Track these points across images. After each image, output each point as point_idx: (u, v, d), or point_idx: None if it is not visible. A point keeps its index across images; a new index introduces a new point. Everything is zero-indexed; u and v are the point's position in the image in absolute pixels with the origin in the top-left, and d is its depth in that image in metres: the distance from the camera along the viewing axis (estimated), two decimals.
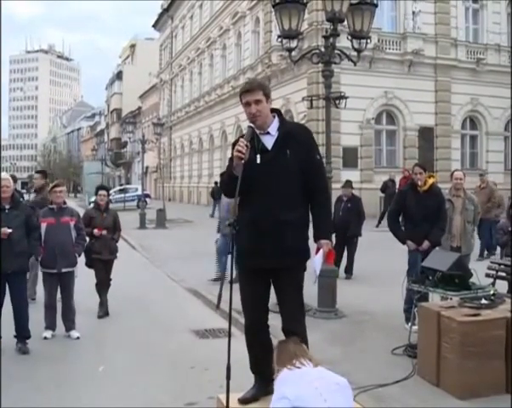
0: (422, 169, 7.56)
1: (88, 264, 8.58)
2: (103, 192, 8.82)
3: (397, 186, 22.04)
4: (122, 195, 42.04)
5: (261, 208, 4.37)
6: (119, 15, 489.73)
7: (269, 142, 4.48)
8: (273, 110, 4.60)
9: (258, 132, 4.48)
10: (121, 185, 55.31)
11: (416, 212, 7.45)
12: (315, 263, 4.45)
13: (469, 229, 8.05)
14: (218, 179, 37.23)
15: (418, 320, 6.11)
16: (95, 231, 8.44)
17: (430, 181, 7.62)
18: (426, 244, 7.36)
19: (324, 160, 9.14)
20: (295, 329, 4.48)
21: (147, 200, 34.72)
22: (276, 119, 4.57)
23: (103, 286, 8.71)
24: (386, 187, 22.60)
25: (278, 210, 4.35)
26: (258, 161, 4.41)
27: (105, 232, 8.54)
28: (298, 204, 4.45)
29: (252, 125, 4.43)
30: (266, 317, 4.67)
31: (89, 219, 8.54)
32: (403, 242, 7.66)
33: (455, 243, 7.93)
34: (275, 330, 4.75)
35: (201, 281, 11.03)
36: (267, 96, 4.48)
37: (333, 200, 10.49)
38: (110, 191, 44.28)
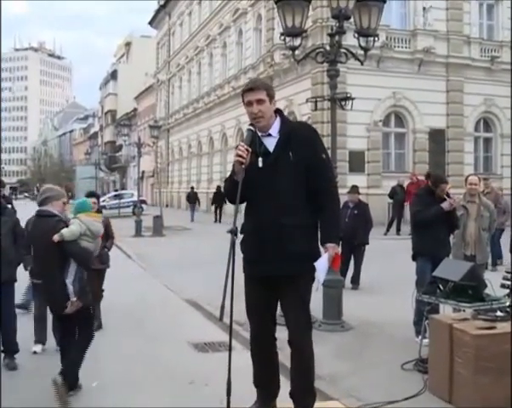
0: (448, 184, 7.71)
1: None
2: (92, 199, 8.82)
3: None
4: (117, 201, 42.04)
5: (264, 214, 4.39)
6: (114, 12, 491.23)
7: (271, 144, 4.50)
8: (275, 111, 4.61)
9: (259, 134, 4.50)
10: (115, 191, 55.39)
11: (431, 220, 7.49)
12: (319, 267, 4.42)
13: (484, 236, 8.04)
14: (216, 184, 37.70)
15: (429, 333, 6.09)
16: None
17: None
18: None
19: None
20: (300, 341, 4.49)
21: (143, 206, 34.75)
22: (278, 119, 4.58)
23: (95, 297, 8.68)
24: (394, 193, 22.58)
25: (282, 215, 4.36)
26: (260, 164, 4.43)
27: None
28: (303, 208, 4.45)
29: (251, 128, 4.45)
30: (273, 328, 4.67)
31: None
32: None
33: (469, 251, 7.92)
34: (279, 342, 4.74)
35: (201, 292, 11.02)
36: (271, 97, 4.49)
37: None
38: (105, 197, 44.54)
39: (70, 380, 5.62)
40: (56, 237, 5.57)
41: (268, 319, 4.63)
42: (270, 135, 4.53)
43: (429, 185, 7.84)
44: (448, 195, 7.70)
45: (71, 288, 5.66)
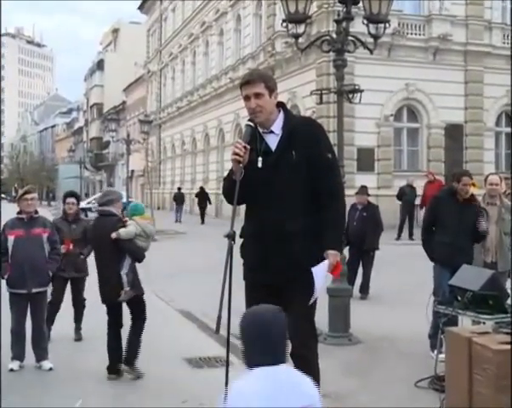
0: (471, 179, 7.66)
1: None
2: (71, 200, 8.90)
3: (421, 192, 22.04)
4: None
5: (265, 217, 4.40)
6: None
7: (272, 142, 4.50)
8: (278, 105, 4.60)
9: (261, 131, 4.50)
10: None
11: (452, 223, 7.48)
12: (316, 273, 4.38)
13: (506, 241, 8.02)
14: (200, 185, 38.10)
15: (445, 348, 6.08)
16: (62, 248, 8.35)
17: (471, 190, 7.65)
18: None
19: None
20: (305, 354, 4.48)
21: None
22: (281, 115, 4.58)
23: (57, 308, 8.69)
24: (403, 193, 22.55)
25: (284, 219, 4.36)
26: (260, 164, 4.42)
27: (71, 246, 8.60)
28: (306, 211, 4.45)
29: (250, 123, 4.45)
30: None
31: (56, 231, 8.54)
32: (431, 259, 7.82)
33: (489, 258, 7.90)
34: None
35: (195, 302, 11.01)
36: (270, 89, 4.48)
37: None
38: (91, 199, 44.44)
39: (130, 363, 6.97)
40: (114, 235, 6.80)
41: None
42: (272, 132, 4.52)
43: (452, 186, 7.79)
44: (473, 196, 7.67)
45: (125, 278, 6.89)
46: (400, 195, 22.71)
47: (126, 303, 7.11)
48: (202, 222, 33.81)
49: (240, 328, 3.02)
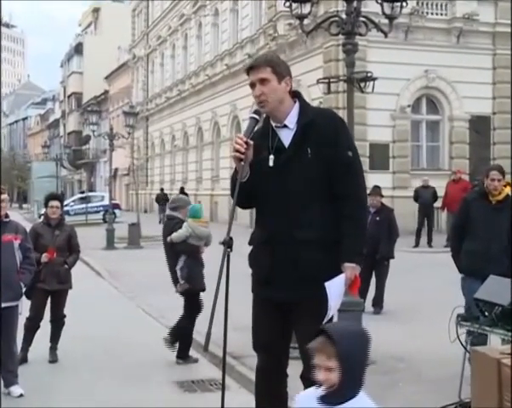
0: (501, 174, 7.53)
1: (28, 295, 8.47)
2: (55, 203, 8.86)
3: (443, 192, 22.00)
4: (84, 206, 42.10)
5: (276, 224, 4.38)
6: None
7: (286, 137, 4.47)
8: (294, 95, 4.57)
9: (273, 125, 4.47)
10: (82, 193, 55.38)
11: (483, 229, 7.44)
12: (331, 289, 4.34)
13: None
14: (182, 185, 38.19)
15: (471, 370, 6.06)
16: (44, 257, 8.40)
17: (506, 190, 7.60)
18: None
19: None
20: None
21: (116, 211, 34.80)
22: (297, 106, 4.55)
23: (36, 325, 8.69)
24: (418, 196, 22.49)
25: (295, 226, 4.33)
26: (271, 163, 4.40)
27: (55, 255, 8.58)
28: (323, 217, 4.41)
29: (254, 115, 4.42)
30: (285, 362, 4.64)
31: (36, 238, 8.53)
32: (460, 272, 7.77)
33: None
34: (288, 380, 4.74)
35: None
36: (279, 75, 4.45)
37: None
38: (69, 200, 44.45)
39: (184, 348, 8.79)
40: (168, 239, 8.64)
41: (279, 350, 4.59)
42: (285, 126, 4.49)
43: (483, 186, 7.74)
44: (508, 197, 7.62)
45: (179, 273, 8.59)
46: (415, 198, 22.66)
47: (183, 296, 8.80)
48: None
49: (359, 348, 3.43)
